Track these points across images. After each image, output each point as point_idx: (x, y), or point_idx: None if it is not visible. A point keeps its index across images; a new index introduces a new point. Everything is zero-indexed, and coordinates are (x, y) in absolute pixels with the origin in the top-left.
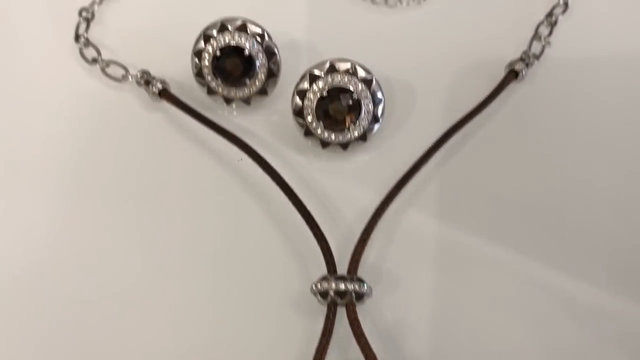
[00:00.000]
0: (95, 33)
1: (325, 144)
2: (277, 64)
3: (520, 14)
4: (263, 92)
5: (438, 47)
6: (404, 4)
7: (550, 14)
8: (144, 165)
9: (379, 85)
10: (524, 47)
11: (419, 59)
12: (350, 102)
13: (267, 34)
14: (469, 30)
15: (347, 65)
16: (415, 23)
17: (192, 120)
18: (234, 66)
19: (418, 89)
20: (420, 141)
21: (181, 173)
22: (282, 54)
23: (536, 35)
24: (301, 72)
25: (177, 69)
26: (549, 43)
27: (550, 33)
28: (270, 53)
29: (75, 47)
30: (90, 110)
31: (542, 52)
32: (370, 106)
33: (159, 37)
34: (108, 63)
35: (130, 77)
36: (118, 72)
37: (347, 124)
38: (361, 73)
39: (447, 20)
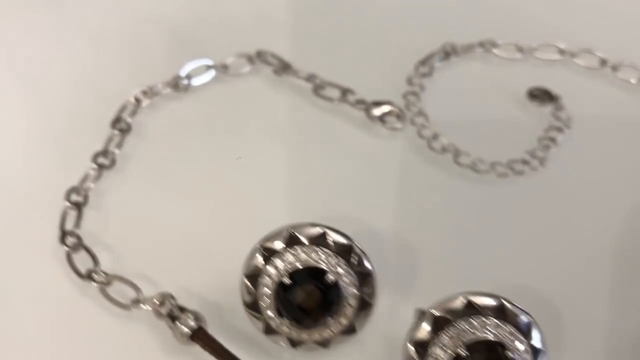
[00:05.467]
0: (89, 224)
1: None
2: (373, 290)
3: None
4: (350, 330)
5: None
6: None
7: None
8: None
9: None
10: None
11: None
12: None
13: (360, 249)
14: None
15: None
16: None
17: None
18: (312, 301)
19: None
20: None
21: None
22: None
23: None
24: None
25: (213, 285)
26: None
27: None
28: (361, 274)
29: (59, 250)
30: (82, 350)
31: None
32: None
33: (187, 237)
34: (110, 279)
35: (143, 304)
36: (125, 292)
37: None
38: None
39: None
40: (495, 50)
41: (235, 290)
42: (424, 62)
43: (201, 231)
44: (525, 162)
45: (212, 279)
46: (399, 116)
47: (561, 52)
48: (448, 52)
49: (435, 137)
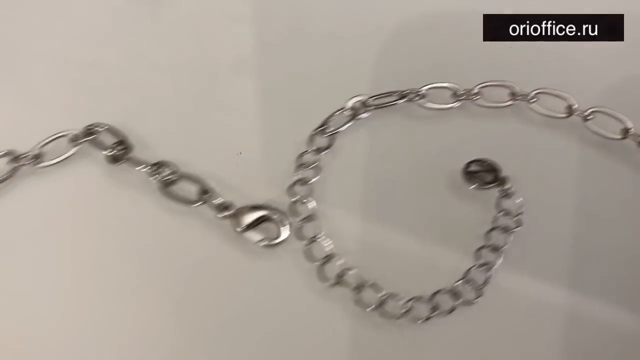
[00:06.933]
0: None
1: None
2: None
3: None
4: None
5: None
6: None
7: None
8: None
9: None
10: None
11: None
12: None
13: None
14: None
15: None
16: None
17: None
18: None
19: None
20: None
21: None
22: None
23: None
24: None
25: None
26: None
27: None
28: None
29: None
30: None
31: None
32: None
33: None
34: None
35: None
36: None
37: None
38: None
39: None
40: (421, 101)
41: None
42: (321, 129)
43: None
44: (455, 294)
45: None
46: (280, 224)
47: (514, 95)
48: (356, 110)
49: (329, 258)
